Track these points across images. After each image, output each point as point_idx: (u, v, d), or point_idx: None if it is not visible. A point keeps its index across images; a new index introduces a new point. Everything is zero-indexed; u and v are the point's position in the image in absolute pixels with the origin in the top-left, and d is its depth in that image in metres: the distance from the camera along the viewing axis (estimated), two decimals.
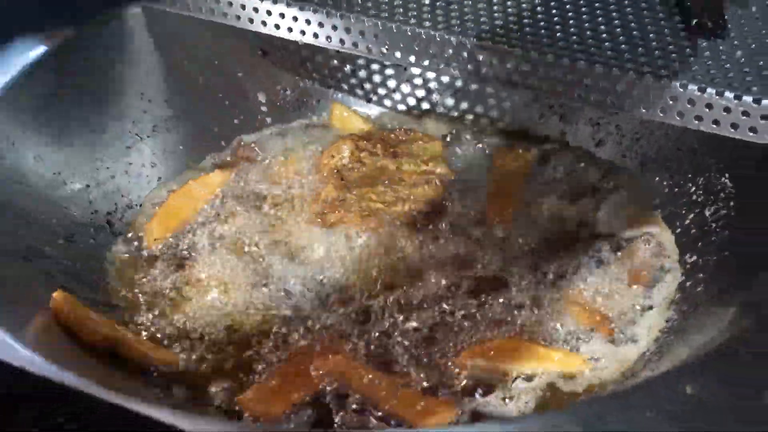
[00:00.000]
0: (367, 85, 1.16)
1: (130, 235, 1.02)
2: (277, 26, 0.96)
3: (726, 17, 0.86)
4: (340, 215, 1.00)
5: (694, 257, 0.92)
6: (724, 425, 0.62)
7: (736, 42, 0.84)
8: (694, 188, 0.98)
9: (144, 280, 0.96)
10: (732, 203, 0.93)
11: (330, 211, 1.01)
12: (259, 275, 0.96)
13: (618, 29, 0.87)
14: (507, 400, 0.81)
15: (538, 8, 0.91)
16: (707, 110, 0.79)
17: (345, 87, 1.17)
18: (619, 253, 0.95)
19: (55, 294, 0.84)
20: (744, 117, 0.78)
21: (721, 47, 0.84)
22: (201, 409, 0.81)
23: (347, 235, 0.99)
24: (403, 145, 1.09)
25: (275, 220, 1.02)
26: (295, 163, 1.10)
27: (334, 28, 0.93)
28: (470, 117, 1.14)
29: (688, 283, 0.90)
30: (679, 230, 0.96)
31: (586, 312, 0.90)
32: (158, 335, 0.90)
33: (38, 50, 0.99)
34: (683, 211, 0.97)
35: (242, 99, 1.14)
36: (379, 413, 0.80)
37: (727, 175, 0.95)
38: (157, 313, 0.92)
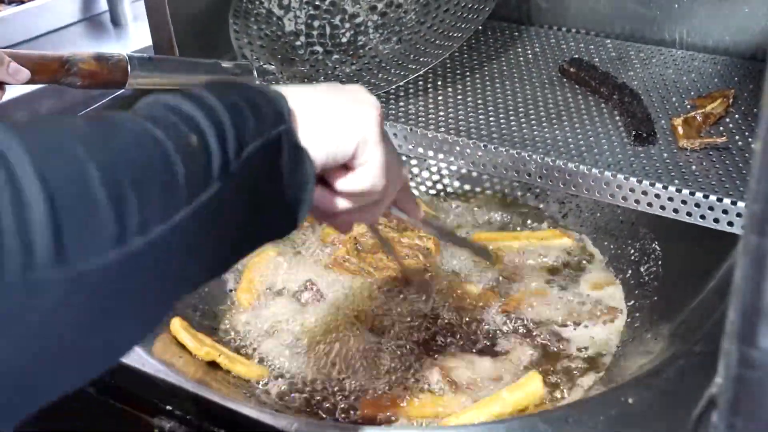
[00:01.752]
0: None
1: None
2: None
3: (656, 130, 0.87)
4: (341, 270, 0.99)
5: (633, 301, 0.92)
6: (656, 425, 0.62)
7: (663, 147, 0.85)
8: (632, 251, 0.97)
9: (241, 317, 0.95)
10: (660, 262, 0.92)
11: (335, 266, 1.00)
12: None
13: (580, 138, 0.88)
14: None
15: (522, 121, 0.92)
16: (643, 196, 0.80)
17: None
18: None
19: (172, 320, 0.85)
20: (668, 201, 0.79)
21: (652, 151, 0.85)
22: (279, 408, 0.80)
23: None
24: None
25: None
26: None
27: None
28: (471, 195, 1.15)
29: (628, 320, 0.90)
30: (621, 281, 0.96)
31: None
32: (249, 353, 0.89)
33: None
34: (625, 267, 0.97)
35: None
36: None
37: (656, 242, 0.95)
38: (248, 337, 0.92)
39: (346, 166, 0.55)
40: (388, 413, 0.79)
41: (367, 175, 0.55)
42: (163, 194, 0.42)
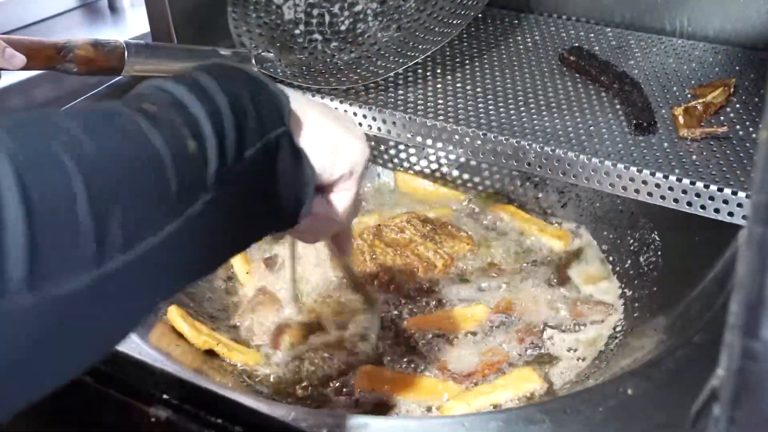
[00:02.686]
0: (396, 160, 1.16)
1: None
2: None
3: (656, 120, 0.86)
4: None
5: (632, 292, 0.91)
6: (655, 416, 0.61)
7: (663, 137, 0.84)
8: (632, 241, 0.97)
9: (237, 302, 0.95)
10: (659, 252, 0.92)
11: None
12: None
13: (580, 127, 0.87)
14: None
15: (522, 109, 0.91)
16: (643, 185, 0.79)
17: (380, 161, 1.17)
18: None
19: (169, 308, 0.84)
20: (669, 191, 0.78)
21: (653, 140, 0.84)
22: (276, 398, 0.80)
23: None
24: (443, 236, 1.03)
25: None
26: None
27: (374, 119, 0.94)
28: (469, 184, 1.14)
29: (626, 311, 0.89)
30: (621, 271, 0.95)
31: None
32: (247, 340, 0.89)
33: None
34: (624, 257, 0.96)
35: None
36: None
37: (656, 232, 0.94)
38: (244, 323, 0.91)
39: (319, 188, 0.54)
40: (384, 390, 0.79)
41: (340, 203, 0.55)
42: (152, 208, 0.40)
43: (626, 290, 0.92)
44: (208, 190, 0.42)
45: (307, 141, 0.50)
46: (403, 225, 1.03)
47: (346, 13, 1.08)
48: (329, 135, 0.52)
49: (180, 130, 0.42)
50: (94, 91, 0.99)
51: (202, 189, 0.42)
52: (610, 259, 0.98)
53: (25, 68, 0.81)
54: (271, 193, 0.48)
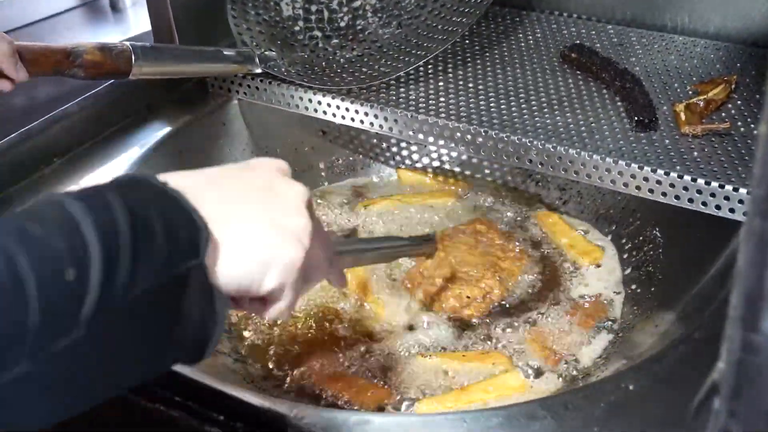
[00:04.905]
0: (397, 157, 1.16)
1: None
2: (334, 114, 0.97)
3: (657, 116, 0.87)
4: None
5: (634, 287, 0.91)
6: (656, 411, 0.61)
7: (664, 134, 0.85)
8: (634, 237, 0.97)
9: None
10: (660, 249, 0.92)
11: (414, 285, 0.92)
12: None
13: (581, 124, 0.87)
14: None
15: (524, 107, 0.91)
16: (644, 182, 0.80)
17: (381, 158, 1.17)
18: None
19: None
20: (670, 188, 0.78)
21: (654, 137, 0.84)
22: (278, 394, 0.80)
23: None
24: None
25: None
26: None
27: (375, 116, 0.94)
28: (471, 181, 1.14)
29: (628, 307, 0.89)
30: (621, 267, 0.95)
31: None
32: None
33: (166, 129, 1.00)
34: (625, 255, 0.96)
35: (308, 166, 1.13)
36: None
37: (657, 228, 0.94)
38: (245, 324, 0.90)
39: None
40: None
41: (273, 312, 0.51)
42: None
43: (628, 286, 0.92)
44: (80, 326, 0.38)
45: (228, 262, 0.46)
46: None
47: (345, 9, 1.08)
48: (257, 250, 0.47)
49: (59, 257, 0.38)
50: (93, 91, 0.99)
51: (72, 325, 0.38)
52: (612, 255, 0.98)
53: (33, 74, 0.81)
54: (168, 330, 0.44)
